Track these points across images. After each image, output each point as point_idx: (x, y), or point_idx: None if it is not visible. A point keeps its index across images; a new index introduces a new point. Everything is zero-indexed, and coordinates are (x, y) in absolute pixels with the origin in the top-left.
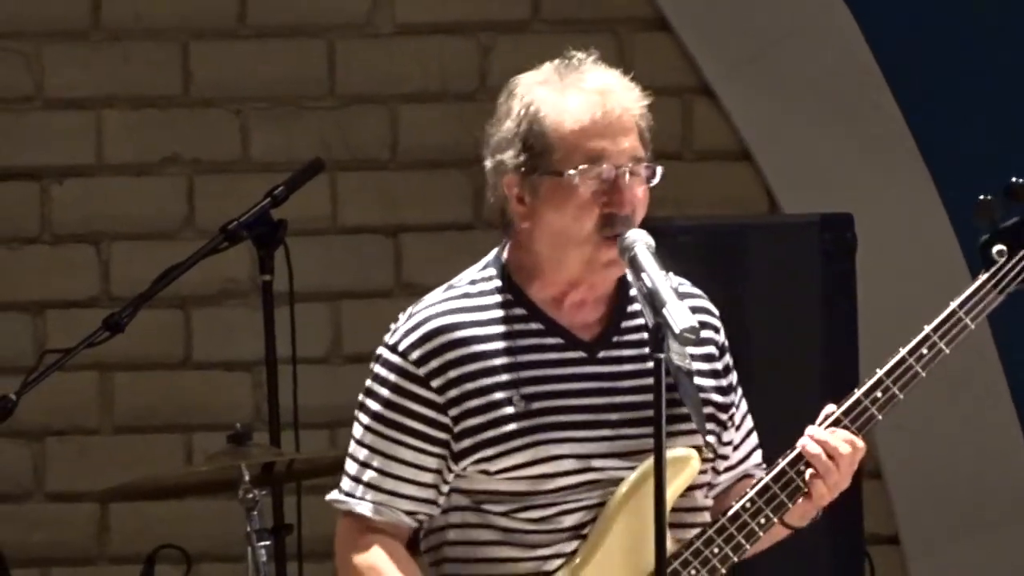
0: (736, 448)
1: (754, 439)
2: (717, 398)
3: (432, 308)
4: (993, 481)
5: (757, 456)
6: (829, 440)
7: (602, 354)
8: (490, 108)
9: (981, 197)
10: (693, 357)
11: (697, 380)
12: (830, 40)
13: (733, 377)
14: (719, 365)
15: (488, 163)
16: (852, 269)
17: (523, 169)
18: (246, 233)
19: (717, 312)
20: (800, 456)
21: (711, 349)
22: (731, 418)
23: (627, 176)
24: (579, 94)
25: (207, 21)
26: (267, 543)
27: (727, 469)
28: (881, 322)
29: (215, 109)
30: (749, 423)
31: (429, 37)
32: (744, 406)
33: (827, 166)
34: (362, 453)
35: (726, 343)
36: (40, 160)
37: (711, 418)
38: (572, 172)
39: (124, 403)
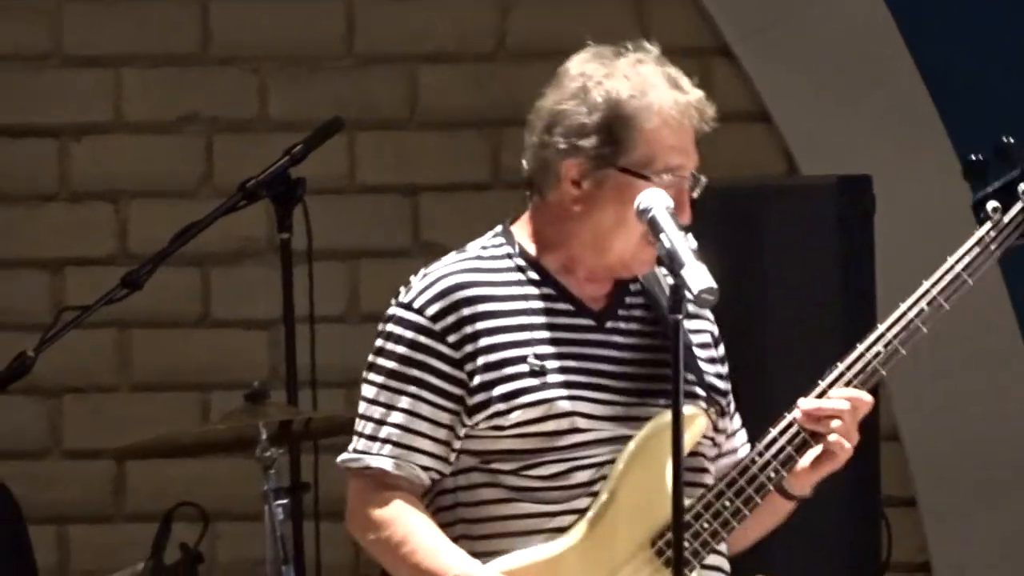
0: (729, 437)
1: (744, 435)
2: (718, 383)
3: (446, 267)
4: (1010, 444)
5: (746, 449)
6: (823, 405)
7: (609, 324)
8: (509, 69)
9: (972, 157)
10: (693, 343)
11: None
12: (850, 2)
13: (726, 369)
14: (716, 353)
15: (551, 139)
16: (870, 231)
17: (600, 159)
18: (264, 191)
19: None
20: None
21: (707, 338)
22: (728, 405)
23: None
24: (670, 100)
25: None
26: (284, 502)
27: (718, 456)
28: (899, 284)
29: (234, 68)
30: (739, 418)
31: None
32: (733, 402)
33: (846, 128)
34: (377, 411)
35: (719, 336)
36: (58, 118)
37: (713, 393)
38: (654, 178)
39: (142, 361)
